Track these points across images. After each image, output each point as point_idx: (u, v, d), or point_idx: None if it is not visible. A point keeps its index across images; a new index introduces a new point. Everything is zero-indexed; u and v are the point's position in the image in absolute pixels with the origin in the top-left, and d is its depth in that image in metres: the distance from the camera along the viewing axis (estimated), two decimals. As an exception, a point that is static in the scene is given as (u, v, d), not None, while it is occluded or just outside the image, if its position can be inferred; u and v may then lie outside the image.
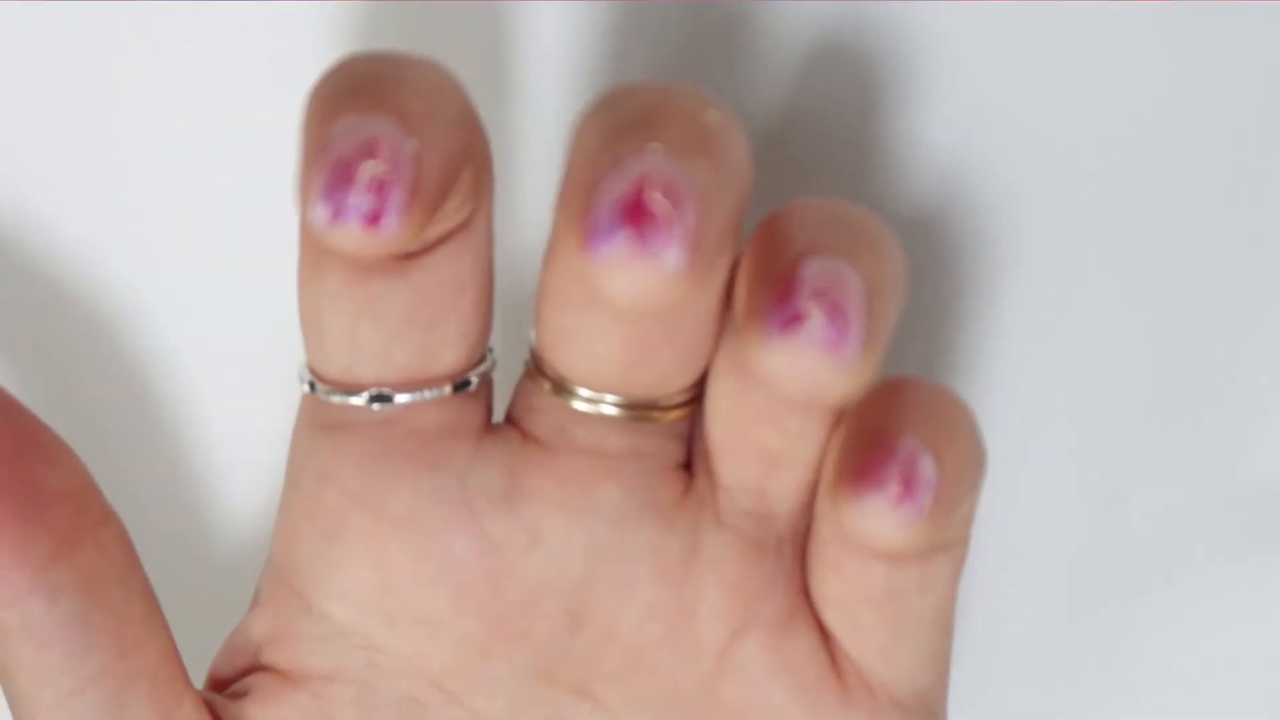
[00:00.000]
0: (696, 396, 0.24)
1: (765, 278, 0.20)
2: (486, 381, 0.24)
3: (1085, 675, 0.30)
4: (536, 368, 0.24)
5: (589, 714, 0.24)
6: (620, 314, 0.22)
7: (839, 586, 0.24)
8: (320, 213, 0.19)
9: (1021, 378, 0.29)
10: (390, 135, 0.19)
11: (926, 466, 0.20)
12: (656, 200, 0.18)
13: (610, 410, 0.23)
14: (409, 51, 0.21)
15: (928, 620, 0.24)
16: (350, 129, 0.19)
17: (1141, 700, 0.31)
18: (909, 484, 0.20)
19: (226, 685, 0.25)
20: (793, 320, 0.19)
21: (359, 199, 0.19)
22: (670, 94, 0.20)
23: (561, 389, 0.23)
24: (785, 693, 0.24)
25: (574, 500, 0.23)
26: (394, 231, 0.19)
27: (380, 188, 0.19)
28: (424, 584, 0.23)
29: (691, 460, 0.24)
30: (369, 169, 0.19)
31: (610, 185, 0.18)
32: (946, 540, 0.23)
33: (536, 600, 0.24)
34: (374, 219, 0.19)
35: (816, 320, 0.19)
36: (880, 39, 0.26)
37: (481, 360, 0.24)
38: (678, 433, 0.24)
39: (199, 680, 0.25)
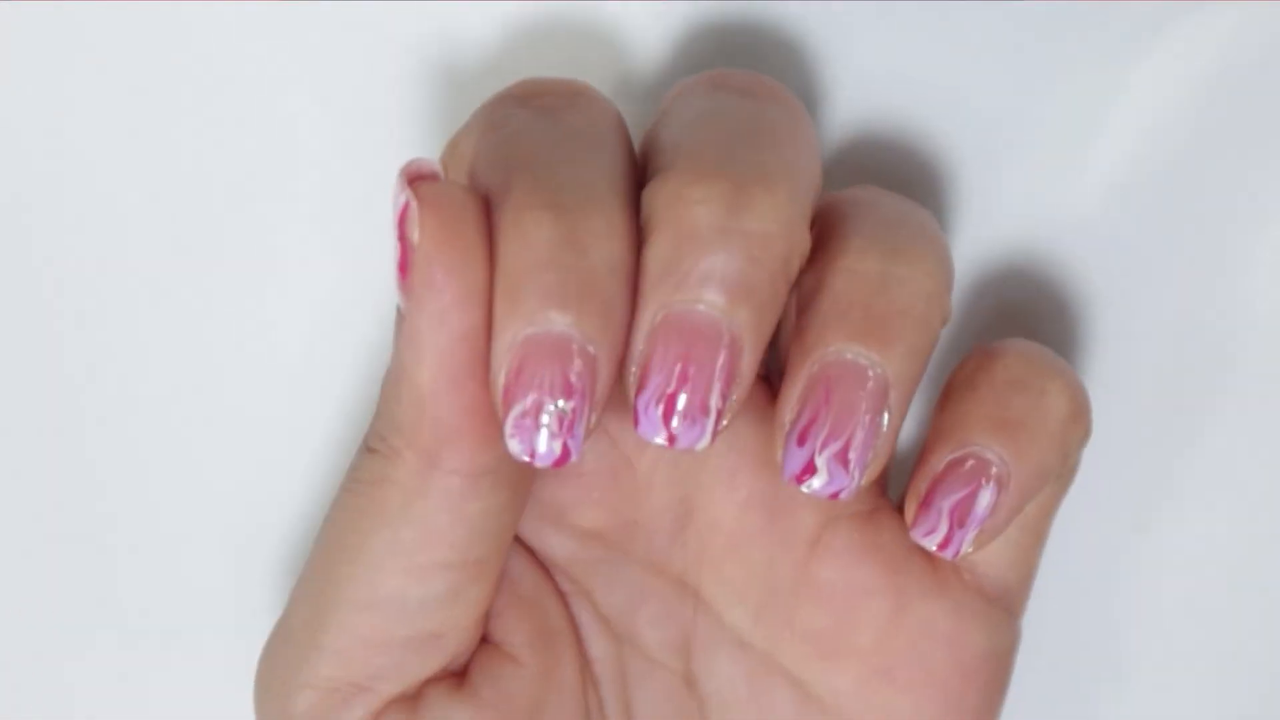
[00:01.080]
0: None
1: (791, 402, 0.24)
2: None
3: (1109, 699, 0.31)
4: None
5: (693, 608, 0.27)
6: None
7: None
8: (517, 448, 0.23)
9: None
10: (574, 366, 0.22)
11: (981, 503, 0.24)
12: (686, 398, 0.23)
13: None
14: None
15: (1025, 524, 0.26)
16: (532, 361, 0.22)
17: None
18: (956, 525, 0.25)
19: None
20: (806, 472, 0.24)
21: (550, 443, 0.23)
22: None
23: None
24: (875, 570, 0.26)
25: None
26: (576, 456, 0.23)
27: (569, 426, 0.23)
28: (554, 476, 0.26)
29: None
30: (555, 409, 0.23)
31: (653, 381, 0.23)
32: (1058, 471, 0.25)
33: (650, 490, 0.26)
34: (563, 460, 0.23)
35: (822, 475, 0.24)
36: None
37: None
38: None
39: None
